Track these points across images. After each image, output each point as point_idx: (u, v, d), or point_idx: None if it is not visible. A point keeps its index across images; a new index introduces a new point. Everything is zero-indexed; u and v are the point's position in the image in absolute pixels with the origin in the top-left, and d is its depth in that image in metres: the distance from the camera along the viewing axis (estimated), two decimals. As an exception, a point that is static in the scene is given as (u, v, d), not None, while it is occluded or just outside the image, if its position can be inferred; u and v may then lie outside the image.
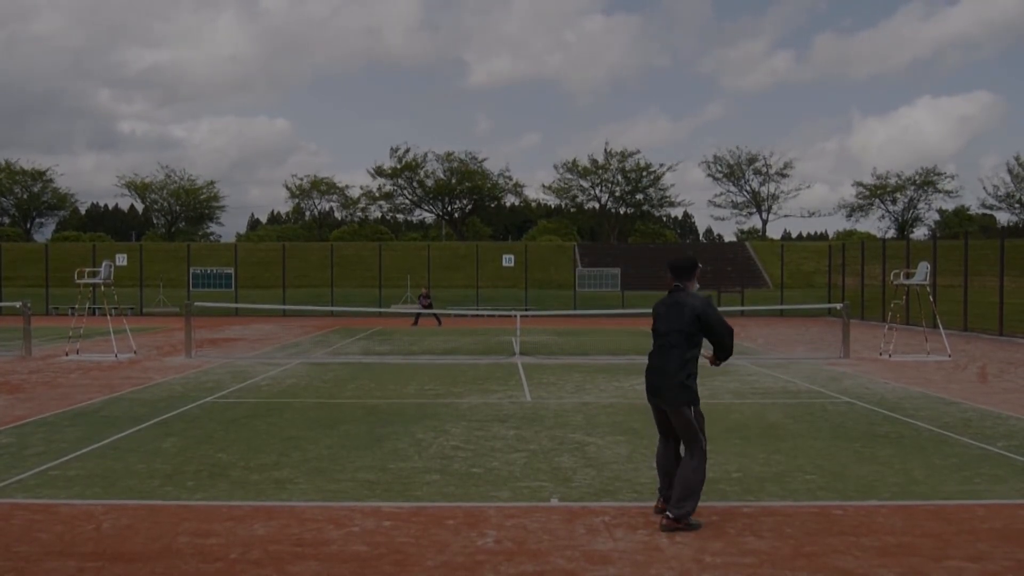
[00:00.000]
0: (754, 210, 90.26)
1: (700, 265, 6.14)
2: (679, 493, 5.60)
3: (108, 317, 18.29)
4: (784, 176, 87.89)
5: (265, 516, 5.91)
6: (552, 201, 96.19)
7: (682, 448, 5.93)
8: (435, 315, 29.98)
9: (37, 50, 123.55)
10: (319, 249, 57.35)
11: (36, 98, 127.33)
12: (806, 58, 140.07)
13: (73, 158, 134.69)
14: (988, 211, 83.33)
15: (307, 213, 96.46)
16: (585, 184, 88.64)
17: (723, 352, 5.87)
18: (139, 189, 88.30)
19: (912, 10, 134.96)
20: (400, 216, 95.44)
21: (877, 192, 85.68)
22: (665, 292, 6.10)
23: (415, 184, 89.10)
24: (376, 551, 5.18)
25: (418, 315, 29.71)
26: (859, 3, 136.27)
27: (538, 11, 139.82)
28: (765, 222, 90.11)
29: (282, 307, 32.90)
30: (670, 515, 5.59)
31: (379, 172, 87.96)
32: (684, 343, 5.76)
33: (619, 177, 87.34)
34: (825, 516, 5.94)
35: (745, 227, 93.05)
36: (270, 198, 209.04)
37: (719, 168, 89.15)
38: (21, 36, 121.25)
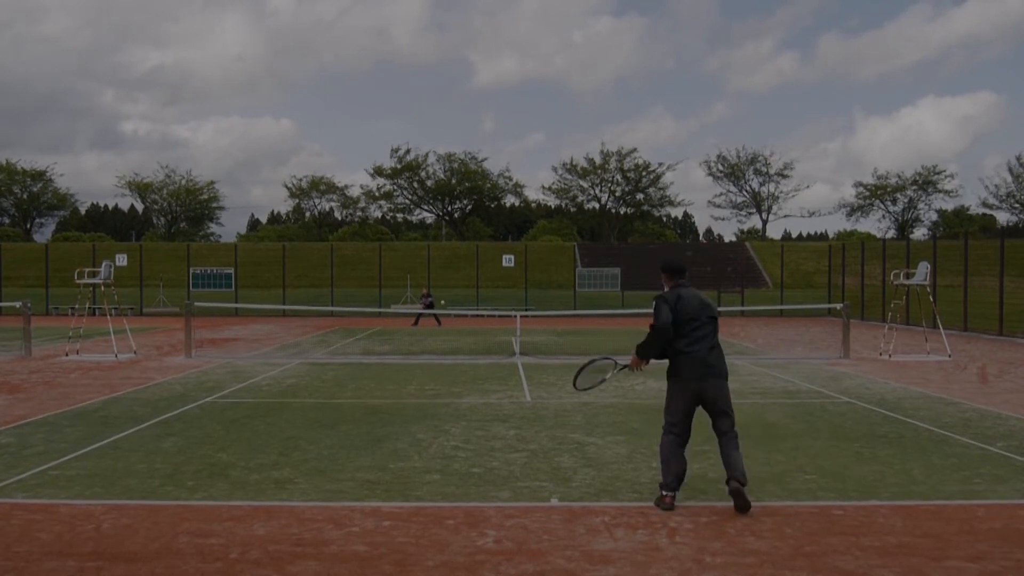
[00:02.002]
0: (754, 210, 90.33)
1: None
2: (739, 463, 6.11)
3: (108, 317, 18.28)
4: (784, 176, 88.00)
5: (265, 516, 5.90)
6: (552, 201, 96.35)
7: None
8: (435, 315, 30.04)
9: (43, 51, 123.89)
10: (319, 249, 57.35)
11: (41, 98, 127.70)
12: (812, 58, 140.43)
13: (77, 158, 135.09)
14: (988, 211, 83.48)
15: (307, 213, 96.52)
16: (585, 184, 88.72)
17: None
18: (139, 189, 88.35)
19: (919, 11, 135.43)
20: (400, 216, 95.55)
21: (877, 192, 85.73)
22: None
23: (415, 184, 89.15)
24: (376, 551, 5.18)
25: (419, 315, 29.77)
26: (866, 4, 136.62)
27: (546, 12, 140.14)
28: (765, 222, 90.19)
29: (282, 307, 32.88)
30: (742, 481, 6.02)
31: (378, 172, 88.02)
32: (713, 327, 6.37)
33: (618, 177, 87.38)
34: (825, 516, 5.93)
35: (745, 227, 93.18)
36: (272, 198, 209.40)
37: (720, 168, 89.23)
38: (28, 36, 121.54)
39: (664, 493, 6.15)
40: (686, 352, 6.29)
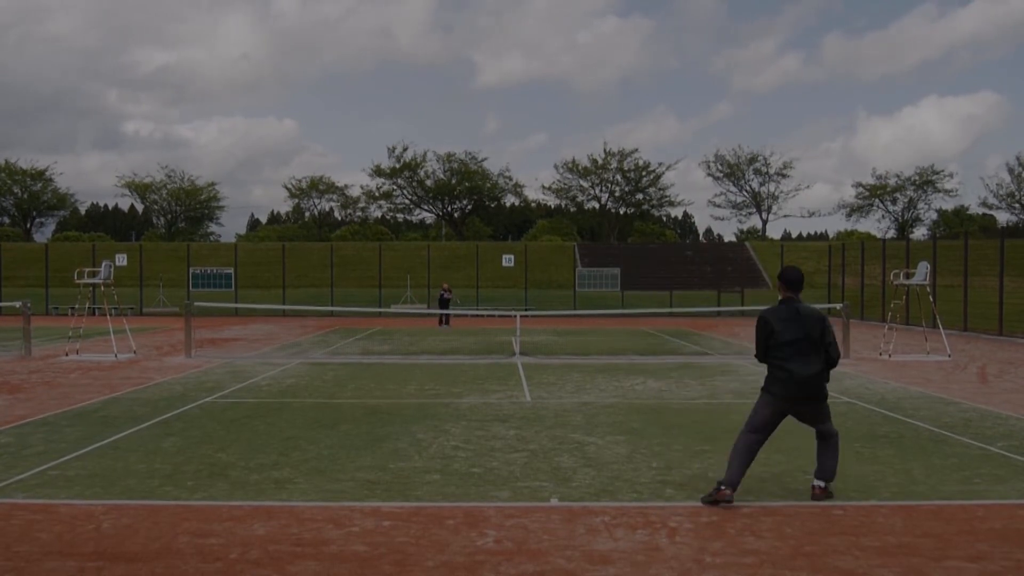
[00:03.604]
0: (754, 210, 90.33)
1: None
2: (832, 467, 6.42)
3: (108, 317, 18.29)
4: (784, 176, 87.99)
5: (265, 516, 5.90)
6: (552, 201, 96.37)
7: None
8: (444, 314, 29.71)
9: (48, 51, 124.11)
10: (319, 249, 57.35)
11: (45, 98, 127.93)
12: (816, 59, 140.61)
13: (79, 158, 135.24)
14: (988, 211, 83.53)
15: (307, 213, 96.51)
16: (585, 184, 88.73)
17: (829, 363, 6.40)
18: (139, 189, 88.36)
19: (923, 11, 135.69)
20: (400, 216, 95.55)
21: (877, 192, 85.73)
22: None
23: (415, 184, 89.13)
24: (376, 551, 5.17)
25: (446, 315, 29.47)
26: (872, 4, 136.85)
27: (551, 13, 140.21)
28: (765, 222, 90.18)
29: (282, 307, 32.89)
30: (823, 485, 6.39)
31: (378, 172, 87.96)
32: (818, 348, 6.33)
33: (618, 177, 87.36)
34: (825, 516, 5.93)
35: (745, 227, 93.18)
36: (273, 198, 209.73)
37: (719, 168, 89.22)
38: (33, 37, 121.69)
39: (722, 488, 6.16)
40: (778, 369, 6.37)
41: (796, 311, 6.37)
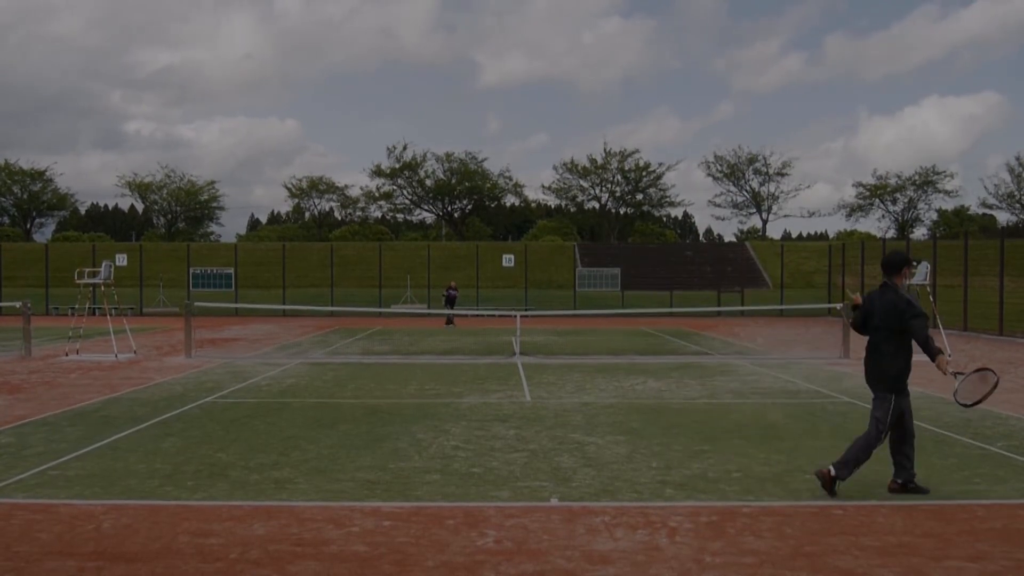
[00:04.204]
0: (754, 210, 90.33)
1: (912, 261, 6.69)
2: (843, 456, 6.43)
3: (108, 317, 18.28)
4: (783, 176, 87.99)
5: (265, 516, 5.90)
6: (552, 201, 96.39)
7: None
8: (450, 315, 29.58)
9: (51, 51, 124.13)
10: (319, 249, 57.36)
11: (47, 99, 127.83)
12: (818, 59, 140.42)
13: (81, 159, 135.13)
14: (988, 211, 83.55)
15: (307, 213, 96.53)
16: (585, 184, 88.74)
17: (921, 345, 6.35)
18: (140, 189, 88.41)
19: (926, 11, 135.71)
20: (400, 216, 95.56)
21: (877, 192, 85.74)
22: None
23: (415, 184, 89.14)
24: (376, 551, 5.17)
25: (449, 315, 29.33)
26: (874, 5, 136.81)
27: (554, 13, 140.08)
28: (765, 222, 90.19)
29: (282, 307, 32.90)
30: (831, 472, 6.37)
31: (378, 172, 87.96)
32: (893, 336, 6.41)
33: (619, 177, 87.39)
34: (825, 516, 5.93)
35: (745, 227, 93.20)
36: (274, 198, 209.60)
37: (719, 168, 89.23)
38: (36, 37, 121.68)
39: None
40: (865, 349, 6.69)
41: (880, 298, 6.52)
